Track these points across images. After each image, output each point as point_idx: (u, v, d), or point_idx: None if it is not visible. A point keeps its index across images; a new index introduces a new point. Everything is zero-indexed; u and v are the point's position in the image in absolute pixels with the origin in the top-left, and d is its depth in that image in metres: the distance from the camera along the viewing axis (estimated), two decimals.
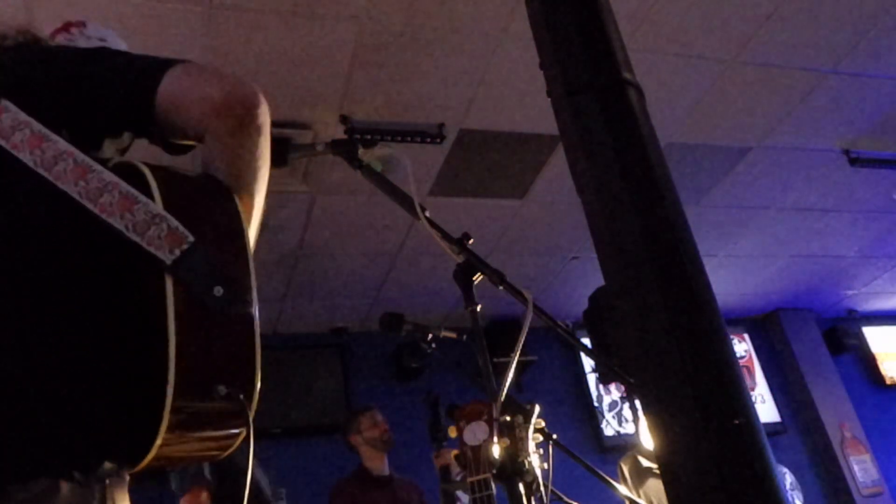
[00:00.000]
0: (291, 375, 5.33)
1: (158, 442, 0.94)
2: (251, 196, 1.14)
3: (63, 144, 1.00)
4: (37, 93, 1.09)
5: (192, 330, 0.95)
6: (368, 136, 3.52)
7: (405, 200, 1.75)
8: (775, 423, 6.21)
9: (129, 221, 0.96)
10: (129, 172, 1.03)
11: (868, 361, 6.92)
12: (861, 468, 6.14)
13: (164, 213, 0.97)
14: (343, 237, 4.49)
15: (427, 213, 1.71)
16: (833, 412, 6.35)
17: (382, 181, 1.79)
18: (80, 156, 1.00)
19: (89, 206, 0.97)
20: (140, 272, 0.98)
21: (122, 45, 1.51)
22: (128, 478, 1.04)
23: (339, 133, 3.51)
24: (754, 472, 0.75)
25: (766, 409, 6.26)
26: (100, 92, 1.10)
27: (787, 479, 5.91)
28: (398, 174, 3.48)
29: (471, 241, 1.70)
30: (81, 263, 1.00)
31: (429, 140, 3.71)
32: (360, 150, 1.85)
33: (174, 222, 0.97)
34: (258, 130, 1.10)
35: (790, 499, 5.53)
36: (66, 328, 0.96)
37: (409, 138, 3.66)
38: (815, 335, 6.73)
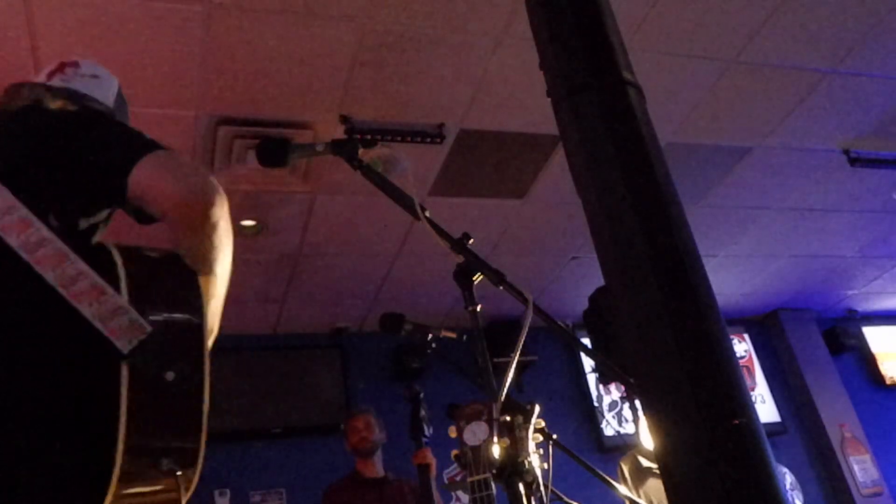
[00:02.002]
0: (291, 375, 5.33)
1: None
2: (214, 273, 1.27)
3: (45, 231, 1.12)
4: (29, 176, 1.23)
5: (141, 411, 1.07)
6: (368, 136, 3.52)
7: (405, 200, 1.75)
8: (775, 424, 6.21)
9: (95, 310, 1.08)
10: (102, 258, 1.14)
11: (868, 361, 6.92)
12: (861, 468, 6.14)
13: (126, 305, 1.09)
14: (343, 237, 4.49)
15: (427, 213, 1.71)
16: (833, 412, 6.35)
17: (382, 181, 1.79)
18: (59, 244, 1.11)
19: (63, 292, 1.08)
20: (100, 357, 1.08)
21: (114, 82, 1.66)
22: None
23: (339, 133, 3.51)
24: (754, 472, 0.75)
25: (766, 409, 6.26)
26: (81, 177, 1.25)
27: (787, 479, 5.92)
28: (398, 174, 3.49)
29: (471, 241, 1.70)
30: (49, 343, 1.11)
31: (429, 140, 3.71)
32: (360, 150, 1.85)
33: (135, 315, 1.09)
34: (213, 227, 1.24)
35: (790, 499, 5.53)
36: (29, 404, 1.07)
37: (409, 138, 3.66)
38: (815, 335, 6.73)
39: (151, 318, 1.10)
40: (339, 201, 4.15)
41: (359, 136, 3.50)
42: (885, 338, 7.04)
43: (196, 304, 1.19)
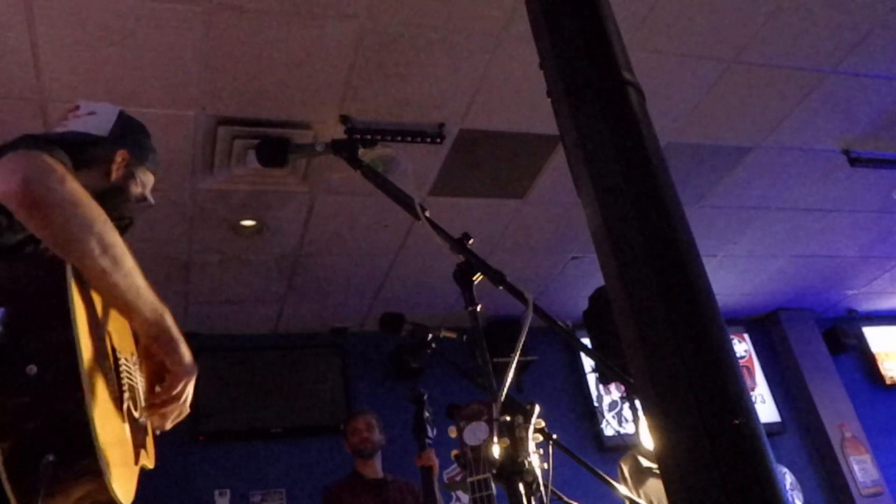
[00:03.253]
0: (291, 375, 5.33)
1: None
2: (85, 253, 1.24)
3: None
4: None
5: (8, 410, 1.07)
6: (368, 136, 3.52)
7: (405, 200, 1.75)
8: (775, 423, 6.21)
9: None
10: None
11: (868, 361, 6.92)
12: (861, 468, 6.14)
13: None
14: (343, 237, 4.49)
15: (427, 213, 1.71)
16: (833, 412, 6.35)
17: (382, 181, 1.79)
18: None
19: None
20: None
21: (112, 112, 1.68)
22: None
23: (339, 133, 3.51)
24: (754, 472, 0.75)
25: (765, 409, 6.26)
26: None
27: (787, 479, 5.92)
28: (398, 174, 3.48)
29: (471, 241, 1.70)
30: None
31: (429, 140, 3.71)
32: (360, 150, 1.85)
33: None
34: (43, 205, 1.22)
35: (790, 499, 5.53)
36: None
37: (409, 138, 3.66)
38: (815, 335, 6.73)
39: (4, 318, 1.11)
40: (339, 201, 4.15)
41: (359, 136, 3.50)
42: (885, 338, 7.04)
43: (56, 294, 1.17)
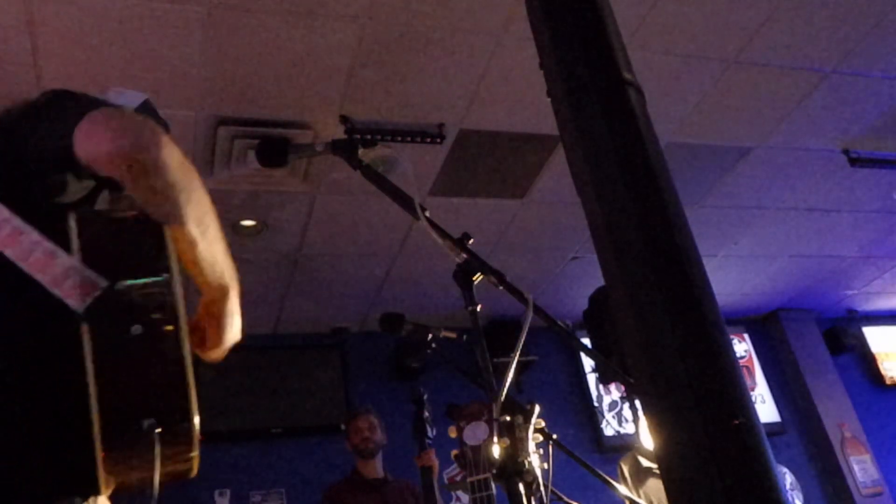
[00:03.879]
0: (291, 375, 5.33)
1: (101, 478, 1.03)
2: (182, 221, 1.21)
3: (5, 212, 1.12)
4: None
5: (110, 371, 1.03)
6: (368, 136, 3.52)
7: (405, 200, 1.75)
8: (775, 424, 6.21)
9: (50, 276, 1.06)
10: (59, 226, 1.13)
11: (868, 361, 6.92)
12: (861, 468, 6.14)
13: (77, 265, 1.07)
14: (343, 237, 4.49)
15: (427, 213, 1.71)
16: (833, 412, 6.35)
17: (382, 181, 1.79)
18: (17, 221, 1.11)
19: (21, 265, 1.08)
20: (61, 322, 1.06)
21: (138, 96, 1.64)
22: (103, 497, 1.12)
23: (339, 133, 3.51)
24: (754, 472, 0.75)
25: (765, 410, 6.26)
26: (40, 156, 1.22)
27: (787, 479, 5.91)
28: (398, 174, 3.49)
29: (471, 241, 1.70)
30: (17, 317, 1.11)
31: (429, 140, 3.71)
32: (360, 150, 1.85)
33: (86, 272, 1.06)
34: (155, 172, 1.18)
35: (790, 499, 5.52)
36: (3, 381, 1.06)
37: (409, 138, 3.66)
38: (815, 335, 6.73)
39: (107, 274, 1.07)
40: (339, 201, 4.15)
41: (359, 136, 3.50)
42: (885, 338, 7.04)
43: (159, 256, 1.15)
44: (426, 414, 3.42)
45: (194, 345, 1.45)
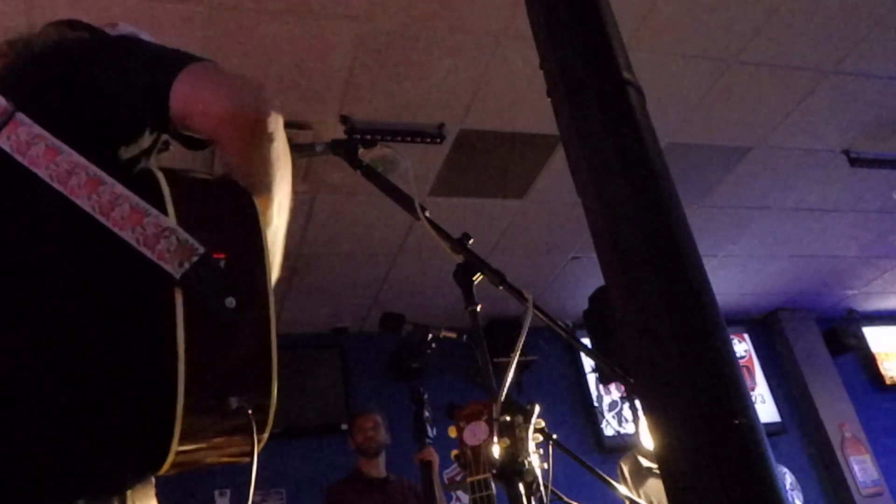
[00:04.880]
0: (291, 375, 5.32)
1: (171, 455, 0.95)
2: (270, 195, 1.14)
3: (76, 157, 1.00)
4: (53, 102, 1.09)
5: (202, 343, 0.95)
6: (368, 136, 3.52)
7: (405, 200, 1.75)
8: (775, 424, 6.21)
9: (139, 234, 0.96)
10: (145, 182, 1.03)
11: (868, 361, 6.92)
12: (861, 468, 6.14)
13: (173, 225, 0.97)
14: (343, 237, 4.49)
15: (427, 213, 1.71)
16: (833, 412, 6.35)
17: (382, 181, 1.79)
18: (93, 169, 1.00)
19: (101, 219, 0.97)
20: (151, 285, 0.98)
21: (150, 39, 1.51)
22: (153, 479, 1.05)
23: (339, 133, 3.51)
24: (754, 472, 0.75)
25: (766, 410, 6.26)
26: (114, 103, 1.10)
27: (787, 479, 5.91)
28: (398, 174, 3.48)
29: (471, 241, 1.70)
30: (95, 277, 1.00)
31: (429, 140, 3.71)
32: (360, 150, 1.85)
33: (183, 235, 0.97)
34: (269, 138, 1.10)
35: (790, 499, 5.53)
36: (78, 343, 0.96)
37: (409, 138, 3.67)
38: (815, 335, 6.73)
39: (203, 239, 0.97)
40: (339, 201, 4.15)
41: (359, 136, 3.50)
42: (885, 338, 7.04)
43: (254, 226, 1.05)
44: (426, 413, 3.42)
45: None
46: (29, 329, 0.96)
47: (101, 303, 0.99)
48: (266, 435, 1.04)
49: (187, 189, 1.06)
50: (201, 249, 0.96)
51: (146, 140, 1.14)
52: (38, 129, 1.02)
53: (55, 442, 0.92)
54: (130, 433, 0.96)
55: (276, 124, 1.11)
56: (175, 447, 0.94)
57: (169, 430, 0.93)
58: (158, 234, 0.96)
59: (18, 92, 1.10)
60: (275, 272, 1.22)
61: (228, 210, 1.08)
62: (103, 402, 0.95)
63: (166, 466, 0.97)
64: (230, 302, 0.96)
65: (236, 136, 1.08)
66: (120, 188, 0.99)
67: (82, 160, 1.00)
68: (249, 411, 0.97)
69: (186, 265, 0.95)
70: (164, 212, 0.98)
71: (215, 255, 0.98)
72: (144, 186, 1.01)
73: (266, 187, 1.13)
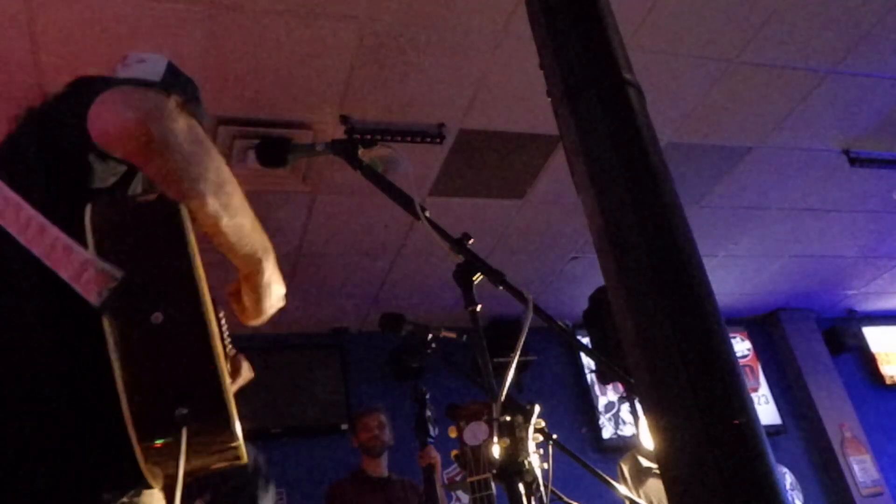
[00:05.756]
0: (291, 375, 5.33)
1: (146, 471, 1.01)
2: (201, 192, 1.15)
3: (29, 210, 1.10)
4: (24, 157, 1.22)
5: (138, 361, 1.00)
6: (368, 136, 3.52)
7: (405, 200, 1.75)
8: (775, 424, 6.21)
9: (70, 271, 1.04)
10: (78, 217, 1.10)
11: (868, 361, 6.92)
12: (861, 468, 6.14)
13: (91, 257, 1.05)
14: (343, 237, 4.49)
15: (427, 213, 1.71)
16: (833, 412, 6.35)
17: (382, 181, 1.79)
18: (39, 218, 1.09)
19: (47, 262, 1.06)
20: (84, 316, 1.04)
21: (162, 61, 1.61)
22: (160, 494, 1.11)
23: (339, 133, 3.51)
24: (754, 472, 0.75)
25: (766, 410, 6.26)
26: (61, 137, 1.20)
27: (787, 479, 5.92)
28: (398, 174, 3.49)
29: (471, 241, 1.70)
30: (42, 317, 1.09)
31: (429, 140, 3.71)
32: (360, 150, 1.85)
33: (100, 264, 1.04)
34: (165, 144, 1.12)
35: (790, 499, 5.53)
36: (26, 383, 1.05)
37: (409, 138, 3.67)
38: (815, 335, 6.74)
39: (124, 264, 1.04)
40: (339, 201, 4.15)
41: (359, 136, 3.50)
42: (885, 338, 7.04)
43: (177, 240, 1.10)
44: (428, 413, 3.42)
45: (238, 313, 1.44)
46: None
47: (52, 338, 1.07)
48: (236, 442, 1.12)
49: (113, 217, 1.12)
50: (118, 275, 1.03)
51: (104, 171, 1.21)
52: (6, 191, 1.12)
53: (20, 472, 1.01)
54: (94, 454, 1.03)
55: (166, 124, 1.13)
56: (143, 463, 0.99)
57: (129, 447, 0.99)
58: (81, 268, 1.04)
59: (4, 159, 1.23)
60: (264, 258, 1.30)
61: (151, 229, 1.13)
62: (56, 425, 1.03)
63: (153, 480, 1.03)
64: (156, 317, 1.02)
65: (134, 152, 1.13)
66: (55, 231, 1.07)
67: (34, 212, 1.09)
68: (180, 416, 1.01)
69: (105, 292, 1.02)
70: (85, 244, 1.06)
71: (137, 277, 1.04)
72: (76, 222, 1.09)
73: (190, 191, 1.14)
